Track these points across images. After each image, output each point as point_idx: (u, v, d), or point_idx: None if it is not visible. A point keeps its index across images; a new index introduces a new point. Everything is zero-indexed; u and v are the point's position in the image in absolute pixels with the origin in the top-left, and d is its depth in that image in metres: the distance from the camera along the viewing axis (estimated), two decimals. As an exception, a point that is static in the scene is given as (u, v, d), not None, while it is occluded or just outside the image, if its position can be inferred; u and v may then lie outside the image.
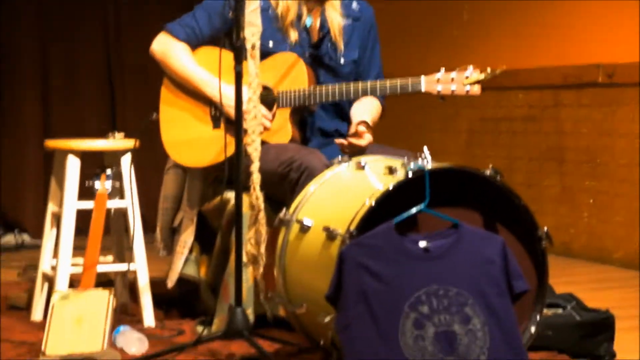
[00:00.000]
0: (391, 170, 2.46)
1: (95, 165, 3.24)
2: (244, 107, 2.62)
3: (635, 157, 4.28)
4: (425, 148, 2.54)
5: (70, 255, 3.09)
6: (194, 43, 3.11)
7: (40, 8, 5.28)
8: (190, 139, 3.08)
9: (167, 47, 3.11)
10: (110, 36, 5.44)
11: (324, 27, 3.08)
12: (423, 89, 2.81)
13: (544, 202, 4.71)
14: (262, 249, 2.63)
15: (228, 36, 2.87)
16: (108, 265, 3.25)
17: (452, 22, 5.23)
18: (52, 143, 3.24)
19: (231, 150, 2.69)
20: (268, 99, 2.98)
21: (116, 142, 3.21)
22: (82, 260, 3.02)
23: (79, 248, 3.11)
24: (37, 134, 5.18)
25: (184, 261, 3.17)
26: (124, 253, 3.35)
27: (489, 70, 2.75)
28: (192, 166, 3.11)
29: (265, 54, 2.92)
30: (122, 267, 3.24)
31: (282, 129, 2.99)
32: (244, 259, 2.61)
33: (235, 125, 2.60)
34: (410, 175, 2.39)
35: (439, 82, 2.79)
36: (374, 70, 3.19)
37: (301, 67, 2.99)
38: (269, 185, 2.81)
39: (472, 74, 2.76)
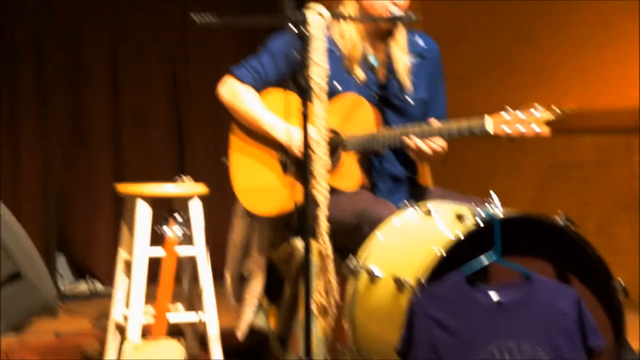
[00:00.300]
0: (460, 218, 2.44)
1: (164, 209, 3.27)
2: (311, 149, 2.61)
3: None
4: (493, 194, 2.50)
5: (142, 304, 3.11)
6: (260, 86, 3.13)
7: (112, 57, 5.39)
8: (260, 186, 3.09)
9: (233, 90, 3.14)
10: (180, 82, 5.52)
11: (390, 66, 3.08)
12: (490, 131, 2.74)
13: (618, 252, 4.58)
14: (332, 299, 2.61)
15: (294, 78, 2.86)
16: (178, 314, 3.27)
17: (518, 62, 5.19)
18: (122, 188, 3.28)
19: (300, 198, 2.69)
20: (335, 142, 2.98)
21: (185, 187, 3.24)
22: (153, 309, 3.03)
23: (150, 296, 3.13)
24: (108, 180, 5.26)
25: (254, 312, 3.15)
26: (194, 301, 3.36)
27: (557, 109, 2.69)
28: (262, 214, 3.11)
29: (331, 95, 2.92)
30: (192, 317, 3.24)
31: (350, 174, 2.98)
32: (313, 309, 2.59)
33: (302, 169, 2.59)
34: (480, 223, 2.36)
35: (506, 122, 2.73)
36: (439, 109, 3.16)
37: (367, 109, 2.99)
38: (340, 235, 2.80)
39: (541, 114, 2.70)
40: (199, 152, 5.54)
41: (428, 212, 2.60)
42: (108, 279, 4.90)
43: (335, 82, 2.99)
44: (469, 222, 2.41)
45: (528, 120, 2.71)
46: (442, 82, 3.18)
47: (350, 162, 2.99)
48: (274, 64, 3.09)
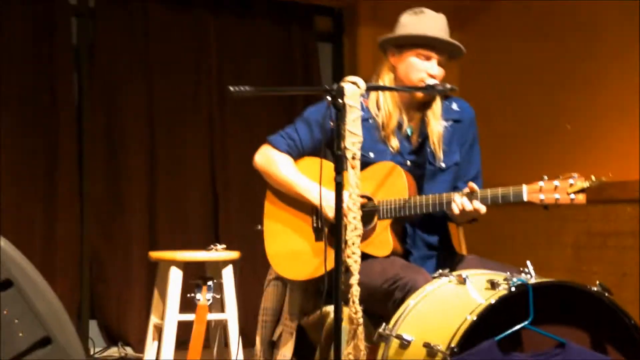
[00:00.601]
0: (493, 285, 2.41)
1: (197, 276, 3.27)
2: (345, 216, 2.61)
3: None
4: (528, 262, 2.49)
5: (171, 367, 3.10)
6: (296, 154, 3.16)
7: (148, 124, 5.45)
8: (293, 251, 3.09)
9: (269, 158, 3.17)
10: (216, 148, 5.56)
11: (424, 134, 3.08)
12: (525, 198, 2.74)
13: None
14: (361, 364, 2.58)
15: (329, 146, 2.90)
16: (207, 379, 3.25)
17: (555, 132, 5.17)
18: (156, 254, 3.31)
19: (331, 264, 2.67)
20: (368, 209, 2.98)
21: (218, 253, 3.25)
22: (182, 374, 3.02)
23: (180, 361, 3.12)
24: (142, 244, 5.27)
25: (283, 377, 3.12)
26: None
27: (593, 178, 2.68)
28: (294, 279, 3.10)
29: (365, 164, 2.93)
30: (221, 381, 3.23)
31: (383, 241, 2.97)
32: (343, 375, 2.55)
33: (335, 236, 2.59)
34: (513, 289, 2.32)
35: (541, 190, 2.72)
36: (473, 171, 3.15)
37: (400, 175, 2.99)
38: (372, 301, 2.77)
39: (577, 182, 2.69)
40: (233, 220, 5.55)
41: (461, 280, 2.57)
42: (139, 346, 4.87)
43: (369, 152, 3.00)
44: (502, 289, 2.37)
45: (563, 188, 2.69)
46: (477, 145, 3.18)
47: (383, 229, 2.98)
48: (310, 132, 3.11)
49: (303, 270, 3.06)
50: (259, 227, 3.17)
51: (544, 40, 5.21)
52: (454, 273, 2.66)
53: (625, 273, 4.70)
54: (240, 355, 3.14)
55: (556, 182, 2.70)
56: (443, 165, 3.07)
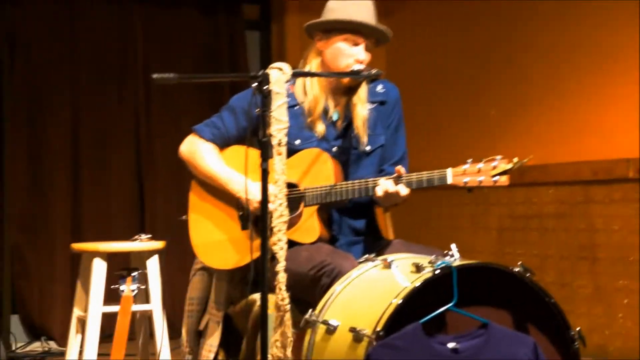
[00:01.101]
0: (418, 268, 2.42)
1: (121, 266, 3.23)
2: (270, 204, 2.60)
3: (670, 254, 4.18)
4: (453, 245, 2.51)
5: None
6: (221, 143, 3.13)
7: (71, 111, 5.35)
8: (218, 241, 3.06)
9: (193, 147, 3.14)
10: (142, 138, 5.49)
11: (349, 119, 3.08)
12: (449, 181, 2.76)
13: (577, 302, 4.60)
14: (289, 352, 2.57)
15: (255, 134, 2.84)
16: (132, 370, 3.20)
17: (480, 117, 5.24)
18: (78, 246, 3.25)
19: (258, 252, 2.66)
20: (294, 196, 2.97)
21: (142, 244, 3.20)
22: (107, 366, 2.97)
23: (105, 354, 3.06)
24: (65, 237, 5.18)
25: (209, 366, 3.10)
26: (149, 358, 3.29)
27: (515, 159, 2.71)
28: (220, 268, 3.08)
29: (291, 151, 2.93)
30: (146, 372, 3.19)
31: (309, 227, 2.97)
32: (270, 362, 2.55)
33: (261, 224, 2.57)
34: (437, 272, 2.34)
35: (465, 173, 2.74)
36: (399, 152, 3.15)
37: (326, 162, 2.98)
38: (299, 288, 2.76)
39: (500, 164, 2.72)
40: (158, 210, 5.49)
41: (387, 265, 2.58)
42: (63, 340, 4.80)
43: (296, 140, 3.00)
44: (427, 272, 2.39)
45: (487, 171, 2.72)
46: (402, 126, 3.18)
47: (310, 215, 2.97)
48: (235, 120, 3.09)
49: (229, 260, 3.04)
50: (184, 217, 3.14)
51: (469, 27, 5.27)
52: (379, 257, 2.67)
53: (547, 255, 4.80)
54: (166, 346, 3.10)
55: (479, 165, 2.73)
56: (368, 148, 3.07)
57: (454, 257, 2.46)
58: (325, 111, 3.07)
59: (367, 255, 2.72)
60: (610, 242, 4.46)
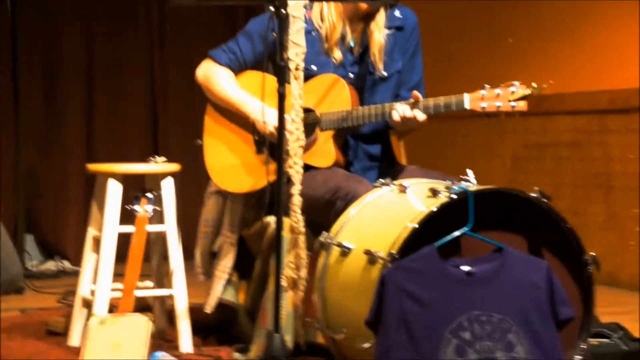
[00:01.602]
0: (434, 193, 2.42)
1: (136, 189, 3.23)
2: (287, 128, 2.59)
3: (685, 184, 4.18)
4: (469, 171, 2.50)
5: (110, 279, 3.08)
6: (237, 68, 3.11)
7: (86, 35, 5.34)
8: (233, 164, 3.06)
9: (209, 72, 3.12)
10: (155, 61, 5.48)
11: (366, 45, 3.05)
12: (467, 106, 2.73)
13: (589, 230, 4.61)
14: (303, 273, 2.59)
15: (271, 58, 2.80)
16: (146, 290, 3.23)
17: (497, 45, 5.19)
18: (93, 167, 3.25)
19: (273, 175, 2.65)
20: (310, 120, 2.96)
21: (158, 166, 3.20)
22: (122, 286, 3.00)
23: (119, 275, 3.09)
24: (79, 158, 5.21)
25: (223, 286, 3.13)
26: (163, 279, 3.32)
27: (534, 85, 2.68)
28: (235, 191, 3.09)
29: (307, 77, 2.91)
30: (160, 292, 3.22)
31: (325, 152, 2.96)
32: (283, 283, 2.57)
33: (277, 148, 2.56)
34: (453, 197, 2.34)
35: (483, 99, 2.72)
36: (415, 78, 3.13)
37: (343, 87, 2.96)
38: (314, 212, 2.77)
39: (518, 89, 2.69)
40: (172, 134, 5.50)
41: (402, 189, 2.58)
42: (77, 259, 4.84)
43: (312, 65, 2.98)
44: (443, 197, 2.39)
45: (505, 96, 2.70)
46: (419, 52, 3.15)
47: (325, 140, 2.97)
48: (251, 45, 3.07)
49: (244, 183, 3.05)
50: (199, 141, 3.14)
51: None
52: (395, 182, 2.67)
53: (562, 183, 4.80)
54: (180, 267, 3.13)
55: (498, 90, 2.70)
56: (384, 74, 3.05)
57: (470, 182, 2.46)
58: (342, 37, 3.04)
59: (381, 180, 2.72)
60: (625, 171, 4.45)
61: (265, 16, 2.95)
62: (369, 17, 3.03)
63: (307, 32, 2.94)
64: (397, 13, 3.10)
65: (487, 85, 2.73)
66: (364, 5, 2.99)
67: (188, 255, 3.26)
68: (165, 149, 5.37)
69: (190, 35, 5.53)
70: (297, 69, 2.66)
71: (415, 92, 2.84)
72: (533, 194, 2.40)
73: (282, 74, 2.52)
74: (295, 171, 2.63)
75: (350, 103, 2.95)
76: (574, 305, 2.29)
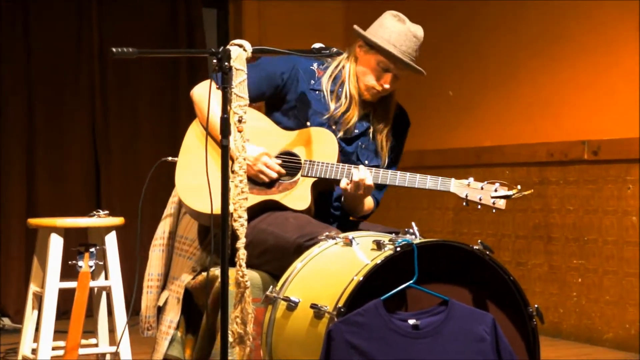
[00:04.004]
0: (379, 246, 2.44)
1: (78, 243, 3.20)
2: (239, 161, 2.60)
3: (623, 235, 4.27)
4: (413, 224, 2.54)
5: (52, 337, 3.03)
6: None
7: (28, 87, 5.29)
8: (204, 185, 3.00)
9: (206, 91, 3.07)
10: (97, 114, 5.43)
11: (366, 125, 3.10)
12: (451, 190, 2.86)
13: (532, 281, 4.68)
14: (249, 328, 2.57)
15: (270, 99, 3.04)
16: (90, 348, 3.18)
17: (438, 98, 5.28)
18: (35, 221, 3.21)
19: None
20: (294, 163, 2.98)
21: (101, 219, 3.18)
22: (64, 343, 2.95)
23: (62, 332, 3.04)
24: (20, 213, 5.12)
25: (169, 342, 3.09)
26: (107, 335, 3.28)
27: (519, 187, 2.78)
28: (201, 211, 2.98)
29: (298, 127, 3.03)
30: (104, 349, 3.17)
31: (302, 197, 2.97)
32: (230, 338, 2.55)
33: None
34: (398, 249, 2.36)
35: (468, 187, 2.84)
36: (393, 157, 3.20)
37: (333, 142, 3.01)
38: (279, 253, 2.78)
39: (501, 189, 2.80)
40: (115, 187, 5.45)
41: (348, 242, 2.59)
42: (18, 316, 4.75)
43: (307, 122, 3.04)
44: (388, 249, 2.40)
45: (487, 191, 2.82)
46: (405, 138, 3.24)
47: (305, 186, 2.98)
48: (257, 81, 3.04)
49: (208, 204, 2.98)
50: (169, 158, 3.10)
51: (431, 11, 5.28)
52: (341, 235, 2.68)
53: (503, 234, 4.86)
54: (124, 321, 3.09)
55: (483, 184, 2.83)
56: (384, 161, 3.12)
57: (415, 235, 2.49)
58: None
59: (327, 233, 2.73)
60: (565, 223, 4.53)
61: (281, 59, 3.03)
62: (374, 104, 3.09)
63: (314, 90, 3.04)
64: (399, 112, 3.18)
65: (471, 178, 2.86)
66: (367, 95, 3.05)
67: (134, 309, 3.22)
68: (108, 202, 5.32)
69: (131, 90, 5.52)
70: (240, 121, 2.67)
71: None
72: (476, 247, 2.44)
73: (225, 126, 2.53)
74: (239, 224, 2.63)
75: (337, 158, 2.98)
76: (519, 357, 2.32)
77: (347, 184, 2.91)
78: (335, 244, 2.65)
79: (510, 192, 2.78)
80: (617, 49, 4.31)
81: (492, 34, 4.97)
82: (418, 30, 3.03)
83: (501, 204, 2.80)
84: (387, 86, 3.03)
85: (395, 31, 3.00)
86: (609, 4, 4.33)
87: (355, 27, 3.06)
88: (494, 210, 2.82)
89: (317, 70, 3.11)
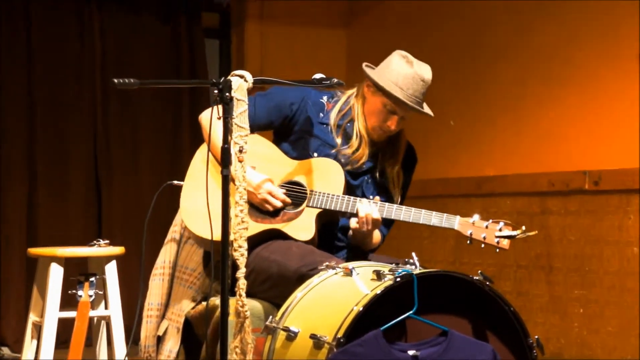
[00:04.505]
0: (379, 276, 2.43)
1: (78, 272, 3.20)
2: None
3: (624, 265, 4.25)
4: (413, 254, 2.53)
5: (51, 365, 3.02)
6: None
7: (29, 115, 5.30)
8: (205, 211, 2.99)
9: (214, 116, 3.07)
10: (99, 143, 5.44)
11: (374, 162, 3.10)
12: (456, 228, 2.85)
13: (533, 311, 4.66)
14: (249, 358, 2.57)
15: (279, 128, 3.06)
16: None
17: (439, 127, 5.28)
18: (35, 251, 3.21)
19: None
20: (300, 193, 2.97)
21: (101, 249, 3.18)
22: (63, 372, 2.94)
23: (61, 361, 3.04)
24: (20, 242, 5.11)
25: (168, 372, 3.08)
26: (106, 364, 3.27)
27: (523, 228, 2.79)
28: (202, 236, 2.98)
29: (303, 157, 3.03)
30: (103, 379, 3.16)
31: (306, 227, 2.96)
32: (229, 368, 2.54)
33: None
34: (398, 280, 2.36)
35: (473, 225, 2.83)
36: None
37: (340, 173, 3.01)
38: (282, 282, 2.78)
39: (505, 229, 2.81)
40: (116, 217, 5.44)
41: (348, 272, 2.59)
42: (17, 346, 4.73)
43: (314, 153, 3.04)
44: (388, 280, 2.40)
45: (492, 230, 2.82)
46: (412, 175, 3.24)
47: (309, 216, 2.98)
48: (267, 111, 3.07)
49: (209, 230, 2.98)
50: (175, 182, 3.09)
51: (430, 35, 5.31)
52: (341, 265, 2.68)
53: (504, 264, 4.85)
54: (124, 353, 3.08)
55: (487, 223, 2.83)
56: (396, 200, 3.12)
57: (415, 265, 2.49)
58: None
59: (326, 263, 2.73)
60: (566, 253, 4.52)
61: (292, 90, 3.06)
62: (381, 143, 3.09)
63: (322, 124, 3.05)
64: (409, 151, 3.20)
65: (477, 215, 2.86)
66: (376, 136, 3.05)
67: (134, 339, 3.21)
68: (108, 231, 5.31)
69: (133, 117, 5.53)
70: (241, 151, 2.67)
71: (377, 197, 2.94)
72: (476, 277, 2.43)
73: (226, 156, 2.53)
74: (240, 254, 2.63)
75: (343, 190, 2.98)
76: (519, 389, 2.31)
77: (357, 222, 2.92)
78: (335, 273, 2.65)
79: (514, 233, 2.77)
80: (619, 80, 4.32)
81: (494, 64, 4.98)
82: (425, 73, 3.02)
83: (505, 243, 2.80)
84: (393, 128, 3.03)
85: (402, 74, 2.99)
86: (611, 33, 4.35)
87: (364, 66, 3.06)
88: (497, 250, 2.82)
89: (326, 103, 3.12)
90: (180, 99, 5.64)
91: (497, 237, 2.79)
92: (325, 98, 3.13)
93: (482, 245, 2.83)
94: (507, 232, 2.78)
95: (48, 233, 5.20)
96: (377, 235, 3.13)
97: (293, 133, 3.11)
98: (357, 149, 3.08)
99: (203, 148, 3.13)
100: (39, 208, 5.28)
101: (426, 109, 3.07)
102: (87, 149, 5.42)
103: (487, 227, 2.82)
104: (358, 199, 2.94)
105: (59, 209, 5.32)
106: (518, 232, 2.76)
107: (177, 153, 5.56)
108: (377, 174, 3.11)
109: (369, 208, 2.90)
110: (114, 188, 5.47)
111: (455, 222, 2.86)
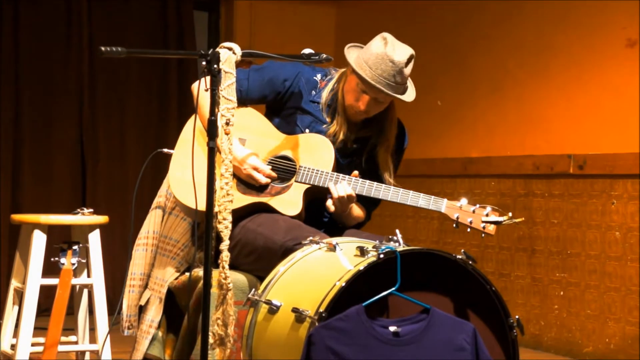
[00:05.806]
0: (362, 252, 2.44)
1: (61, 240, 3.20)
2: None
3: (605, 249, 4.28)
4: (397, 231, 2.54)
5: (32, 333, 3.01)
6: (237, 98, 3.05)
7: (14, 80, 5.27)
8: (195, 181, 2.98)
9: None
10: (85, 112, 5.42)
11: (360, 141, 3.10)
12: (443, 211, 2.86)
13: (514, 292, 4.69)
14: (230, 330, 2.57)
15: (271, 103, 3.05)
16: (70, 345, 3.17)
17: (425, 108, 5.29)
18: (18, 217, 3.20)
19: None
20: (288, 168, 2.97)
21: (85, 217, 3.17)
22: (44, 339, 2.94)
23: (42, 328, 3.03)
24: (4, 208, 5.10)
25: (149, 341, 3.08)
26: (87, 333, 3.27)
27: (510, 214, 2.78)
28: (190, 206, 2.97)
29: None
30: (85, 347, 3.16)
31: (293, 202, 2.96)
32: (211, 340, 2.55)
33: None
34: (381, 256, 2.36)
35: (460, 209, 2.83)
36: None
37: (330, 150, 2.99)
38: (267, 254, 2.77)
39: (492, 214, 2.80)
40: (101, 186, 5.43)
41: (331, 247, 2.60)
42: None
43: (306, 129, 3.04)
44: (371, 256, 2.41)
45: (478, 215, 2.82)
46: (402, 155, 3.23)
47: (297, 192, 2.97)
48: (260, 85, 3.06)
49: (200, 201, 2.97)
50: (165, 150, 3.08)
51: (417, 18, 5.30)
52: (325, 240, 2.68)
53: (487, 245, 4.87)
54: (105, 319, 3.08)
55: (474, 208, 2.83)
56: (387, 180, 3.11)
57: (398, 242, 2.50)
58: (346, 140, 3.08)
59: (310, 237, 2.73)
60: (548, 235, 4.55)
61: (287, 65, 3.04)
62: (366, 122, 3.07)
63: (312, 102, 3.05)
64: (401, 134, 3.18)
65: (465, 199, 2.86)
66: (353, 114, 3.03)
67: (115, 308, 3.22)
68: (93, 200, 5.30)
69: (119, 89, 5.52)
70: (227, 123, 2.66)
71: (355, 172, 2.93)
72: (459, 256, 2.44)
73: (212, 128, 2.52)
74: (224, 226, 2.63)
75: (332, 167, 2.97)
76: (498, 368, 2.33)
77: (332, 204, 2.92)
78: (319, 248, 2.65)
79: (501, 219, 2.78)
80: (605, 64, 4.33)
81: (480, 44, 4.99)
82: (397, 55, 2.93)
83: (491, 229, 2.81)
84: (362, 108, 3.00)
85: (374, 54, 2.94)
86: (597, 18, 4.36)
87: (347, 47, 3.04)
88: (483, 235, 2.82)
89: (319, 81, 3.10)
90: (167, 71, 5.61)
91: (483, 222, 2.80)
92: (319, 76, 3.12)
93: (468, 230, 2.83)
94: (494, 217, 2.79)
95: (33, 202, 5.19)
96: (357, 212, 3.13)
97: (285, 109, 3.10)
98: (335, 125, 3.06)
99: (194, 117, 3.12)
100: (24, 178, 5.26)
101: (408, 93, 3.03)
102: (73, 120, 5.41)
103: (474, 211, 2.83)
104: (347, 176, 2.94)
105: (44, 179, 5.31)
106: (505, 218, 2.77)
107: (163, 126, 5.55)
108: (367, 154, 3.11)
109: (340, 186, 2.90)
110: (100, 159, 5.46)
111: (443, 205, 2.86)
